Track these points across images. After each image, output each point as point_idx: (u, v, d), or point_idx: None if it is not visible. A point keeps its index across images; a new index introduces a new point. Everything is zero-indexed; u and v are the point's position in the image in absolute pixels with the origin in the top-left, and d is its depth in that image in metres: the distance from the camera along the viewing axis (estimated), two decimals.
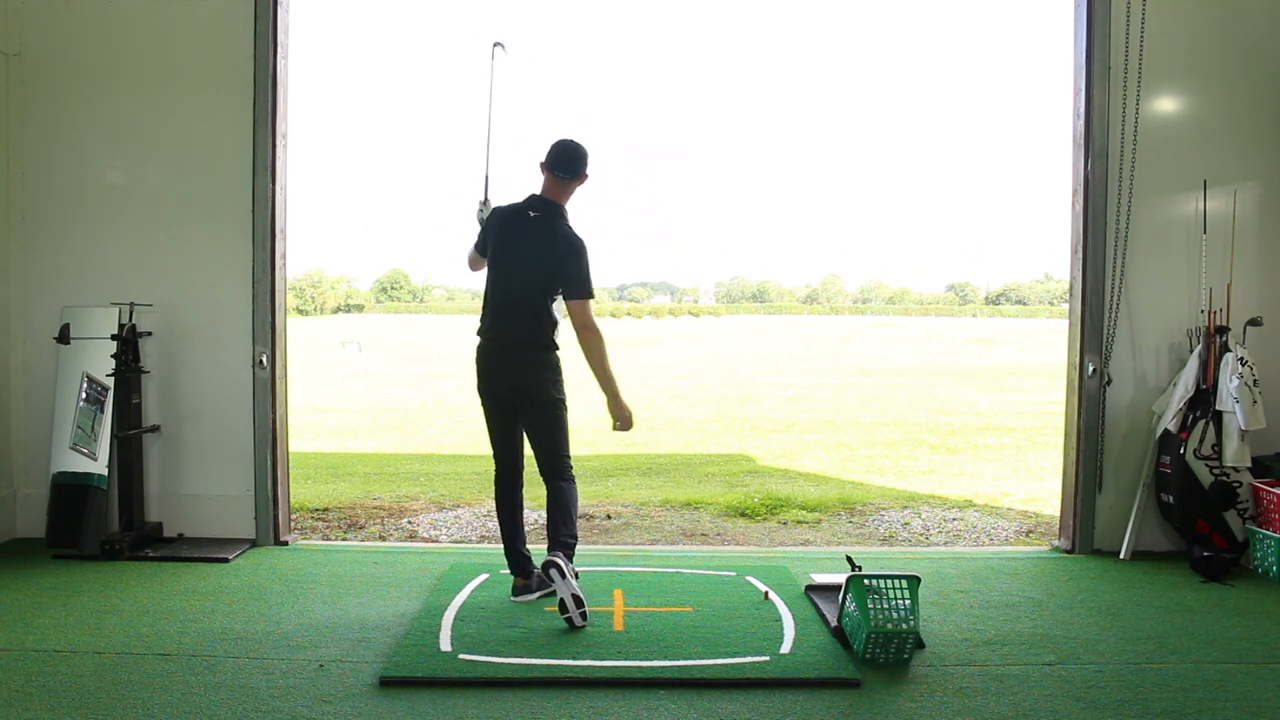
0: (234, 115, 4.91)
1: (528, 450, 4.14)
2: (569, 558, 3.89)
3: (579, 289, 3.92)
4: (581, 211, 4.05)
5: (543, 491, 4.08)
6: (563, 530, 3.97)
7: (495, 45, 4.31)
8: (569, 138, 4.03)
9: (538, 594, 4.11)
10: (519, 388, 3.98)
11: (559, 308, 3.99)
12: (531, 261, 3.95)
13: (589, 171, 4.04)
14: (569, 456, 4.06)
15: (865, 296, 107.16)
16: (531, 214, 3.99)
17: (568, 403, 4.05)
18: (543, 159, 4.00)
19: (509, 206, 4.08)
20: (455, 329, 39.23)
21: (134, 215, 5.02)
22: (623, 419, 4.03)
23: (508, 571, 4.21)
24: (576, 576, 3.86)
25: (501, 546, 4.20)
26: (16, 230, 5.03)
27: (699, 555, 5.04)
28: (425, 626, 3.76)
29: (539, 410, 4.00)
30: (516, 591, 4.12)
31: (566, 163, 3.97)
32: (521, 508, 4.22)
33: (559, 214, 3.99)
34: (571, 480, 4.07)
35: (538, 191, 4.04)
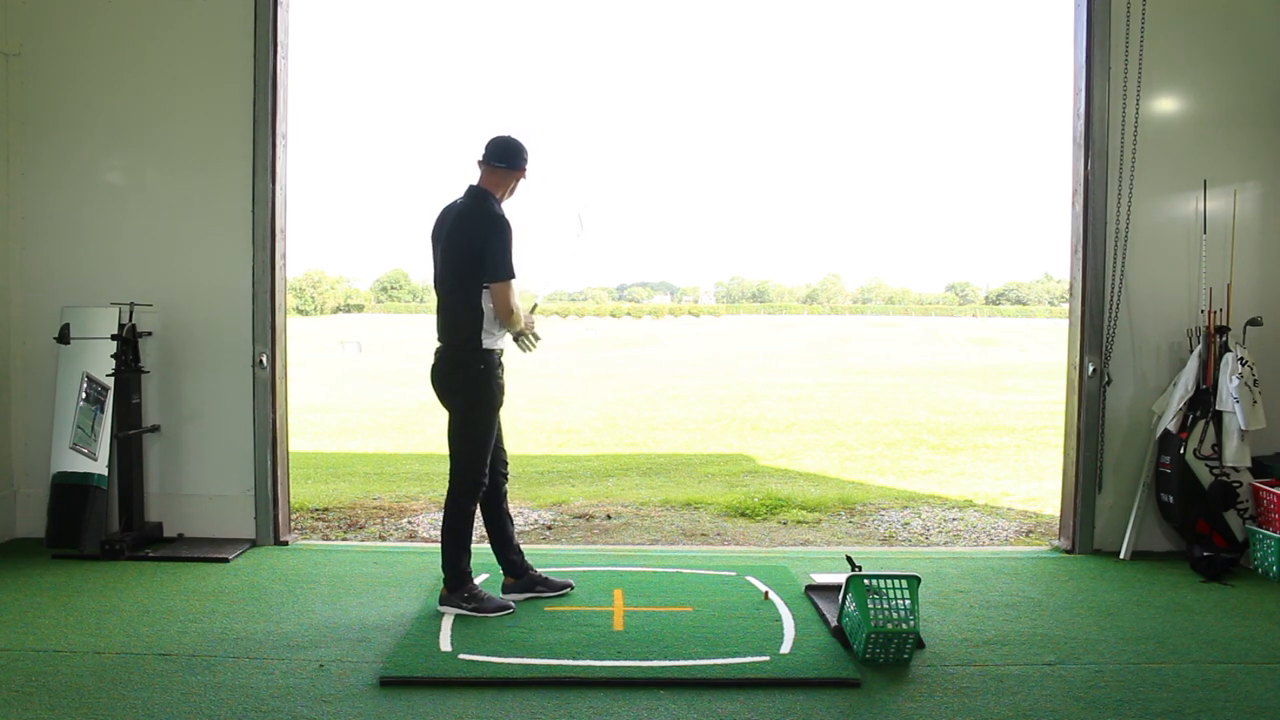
0: (234, 115, 4.91)
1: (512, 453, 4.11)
2: (451, 591, 3.93)
3: (493, 269, 3.80)
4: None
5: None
6: (443, 564, 3.98)
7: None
8: (506, 133, 4.04)
9: (525, 595, 4.13)
10: (438, 389, 4.01)
11: (488, 305, 3.84)
12: (451, 243, 3.90)
13: (527, 167, 4.02)
14: (467, 469, 3.95)
15: (865, 296, 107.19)
16: (459, 201, 3.99)
17: (481, 413, 3.93)
18: (479, 156, 4.00)
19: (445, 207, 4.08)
20: None
21: (134, 215, 5.03)
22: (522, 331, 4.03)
23: None
24: (469, 600, 3.91)
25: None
26: (16, 230, 5.03)
27: (699, 555, 5.05)
28: (425, 626, 3.76)
29: (449, 411, 4.01)
30: (505, 590, 4.13)
31: (501, 153, 3.96)
32: (503, 517, 4.17)
33: (483, 197, 3.95)
34: (458, 494, 3.98)
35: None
